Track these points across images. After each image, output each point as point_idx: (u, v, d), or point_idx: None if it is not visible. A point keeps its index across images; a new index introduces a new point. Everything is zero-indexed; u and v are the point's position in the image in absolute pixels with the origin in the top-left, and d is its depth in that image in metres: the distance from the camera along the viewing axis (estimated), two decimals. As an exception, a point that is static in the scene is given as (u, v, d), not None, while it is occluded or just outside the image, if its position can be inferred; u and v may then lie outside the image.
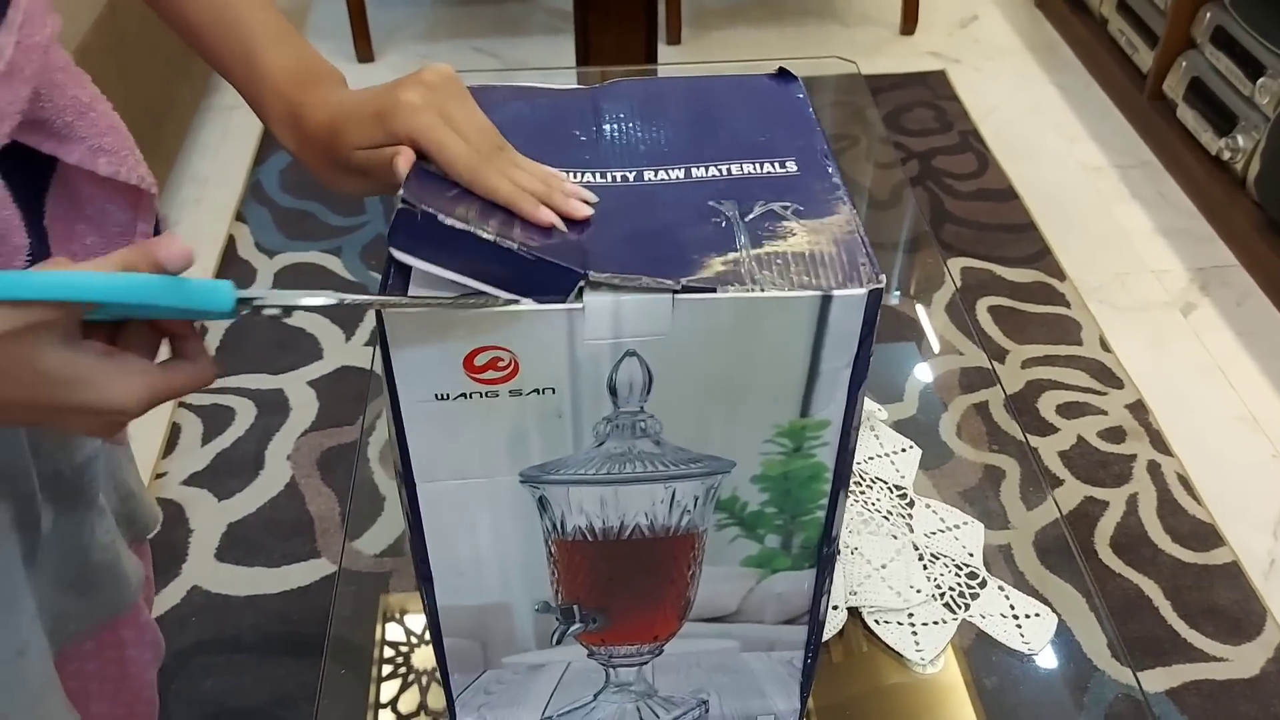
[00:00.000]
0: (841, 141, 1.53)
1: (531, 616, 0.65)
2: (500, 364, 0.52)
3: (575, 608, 0.65)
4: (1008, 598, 0.87)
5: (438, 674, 0.69)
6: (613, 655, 0.68)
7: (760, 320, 0.51)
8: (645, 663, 0.69)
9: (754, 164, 0.58)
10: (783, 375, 0.54)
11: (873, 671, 0.82)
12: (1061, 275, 2.08)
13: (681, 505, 0.60)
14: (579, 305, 0.50)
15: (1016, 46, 2.81)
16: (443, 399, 0.53)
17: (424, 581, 0.63)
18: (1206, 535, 1.60)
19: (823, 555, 0.63)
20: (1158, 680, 1.41)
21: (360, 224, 2.18)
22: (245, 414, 1.78)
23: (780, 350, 0.53)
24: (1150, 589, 1.52)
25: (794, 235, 0.53)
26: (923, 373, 1.15)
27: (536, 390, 0.53)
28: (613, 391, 0.54)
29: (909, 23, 2.84)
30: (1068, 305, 2.01)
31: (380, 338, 0.51)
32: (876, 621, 0.84)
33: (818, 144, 0.60)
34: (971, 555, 0.91)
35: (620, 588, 0.64)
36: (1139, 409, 1.80)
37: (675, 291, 0.50)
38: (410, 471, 0.57)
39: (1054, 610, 0.86)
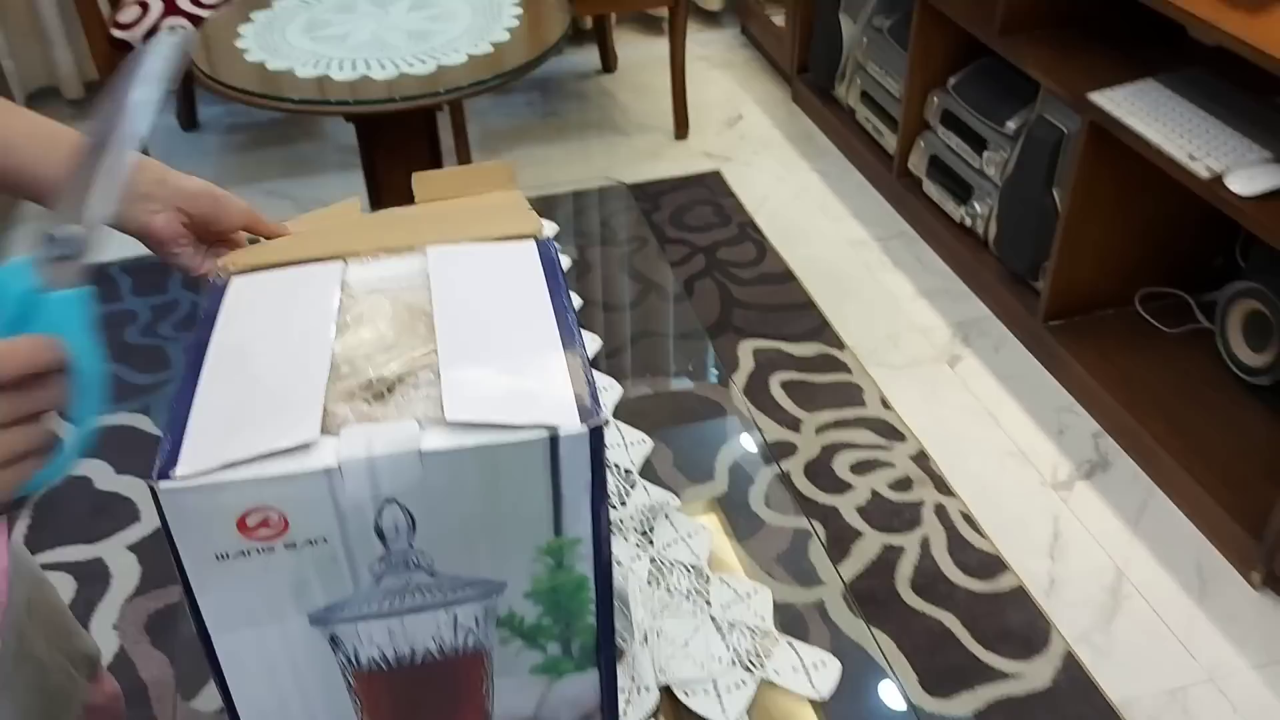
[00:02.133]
0: (632, 244, 1.66)
1: (343, 751, 0.71)
2: (271, 522, 0.59)
3: (382, 737, 0.71)
4: (796, 652, 0.97)
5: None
6: (426, 778, 0.74)
7: (501, 460, 0.60)
8: (459, 781, 0.75)
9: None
10: (531, 503, 0.62)
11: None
12: (841, 345, 2.26)
13: (465, 627, 0.67)
14: (334, 465, 0.57)
15: (779, 139, 3.05)
16: (223, 558, 0.59)
17: (234, 730, 0.67)
18: (992, 565, 1.76)
19: (602, 657, 0.71)
20: (966, 704, 1.53)
21: (164, 380, 2.18)
22: (64, 589, 1.74)
23: (524, 483, 0.61)
24: (950, 621, 1.66)
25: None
26: (730, 449, 1.26)
27: (310, 541, 0.60)
28: (380, 535, 0.61)
29: (681, 128, 3.05)
30: (849, 371, 2.18)
31: (158, 508, 0.57)
32: (685, 694, 0.92)
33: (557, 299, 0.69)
34: (763, 619, 1.00)
35: (422, 711, 0.71)
36: (921, 458, 1.96)
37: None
38: (204, 625, 0.62)
39: (837, 658, 0.96)
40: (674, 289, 1.63)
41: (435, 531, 0.62)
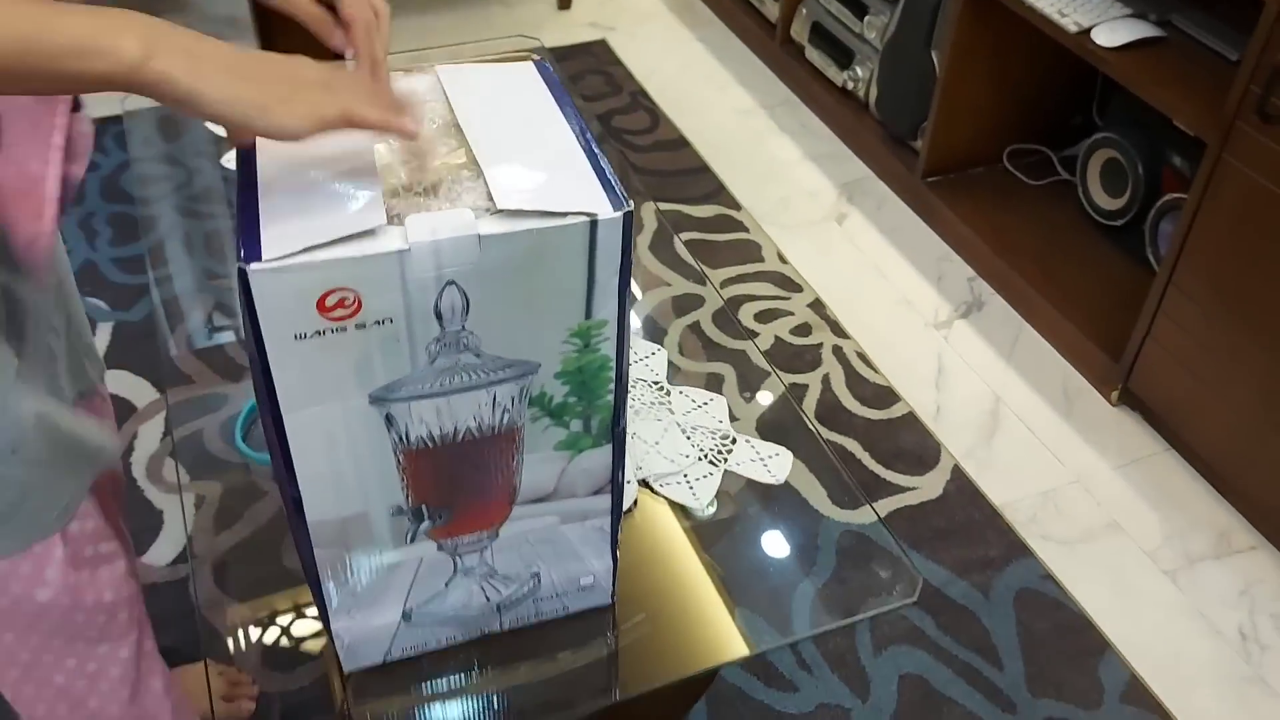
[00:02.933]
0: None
1: (388, 521, 0.79)
2: (346, 303, 0.66)
3: (424, 507, 0.80)
4: (753, 446, 1.09)
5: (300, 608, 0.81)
6: (458, 545, 0.83)
7: (547, 244, 0.68)
8: (485, 547, 0.84)
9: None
10: (569, 285, 0.71)
11: (664, 522, 1.02)
12: (737, 206, 2.38)
13: (502, 406, 0.76)
14: (406, 247, 0.65)
15: (660, 10, 3.10)
16: (301, 338, 0.66)
17: (293, 503, 0.75)
18: (886, 396, 1.93)
19: (616, 432, 0.81)
20: (869, 513, 1.70)
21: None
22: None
23: (564, 265, 0.70)
24: (852, 445, 1.82)
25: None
26: (645, 303, 1.36)
27: (378, 321, 0.67)
28: (438, 315, 0.69)
29: (563, -2, 3.06)
30: (747, 230, 2.30)
31: (244, 293, 0.63)
32: (661, 485, 1.04)
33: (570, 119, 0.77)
34: (721, 422, 1.12)
35: (460, 485, 0.79)
36: (818, 306, 2.11)
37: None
38: (277, 405, 0.69)
39: (843, 570, 1.08)
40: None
41: (485, 313, 0.70)
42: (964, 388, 1.95)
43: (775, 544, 1.03)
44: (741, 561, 1.00)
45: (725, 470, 1.07)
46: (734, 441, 1.09)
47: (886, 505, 1.72)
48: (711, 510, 1.03)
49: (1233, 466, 1.71)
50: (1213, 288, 1.65)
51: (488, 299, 0.69)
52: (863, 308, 2.12)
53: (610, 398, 0.79)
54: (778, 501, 1.06)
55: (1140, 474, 1.79)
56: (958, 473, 1.79)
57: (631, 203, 0.69)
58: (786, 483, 1.07)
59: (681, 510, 1.02)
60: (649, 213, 2.35)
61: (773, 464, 1.08)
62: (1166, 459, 1.82)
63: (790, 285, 2.15)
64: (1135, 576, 1.64)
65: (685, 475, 1.06)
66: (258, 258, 0.63)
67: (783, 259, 2.23)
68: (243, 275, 0.63)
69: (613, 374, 0.77)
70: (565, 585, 0.90)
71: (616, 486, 0.85)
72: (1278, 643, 1.55)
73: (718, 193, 2.42)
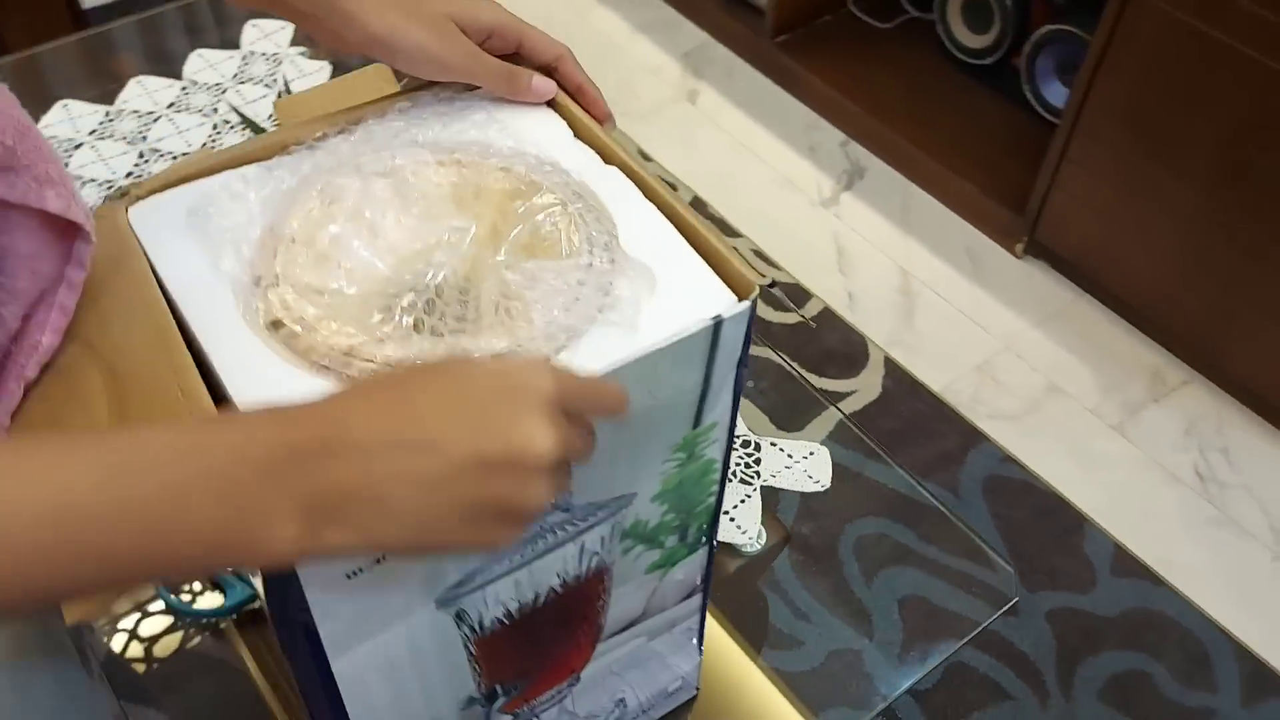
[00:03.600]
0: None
1: (458, 716, 0.61)
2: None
3: (498, 687, 0.62)
4: (782, 449, 0.94)
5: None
6: (534, 707, 0.66)
7: (663, 360, 0.49)
8: (565, 697, 0.67)
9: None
10: (677, 400, 0.52)
11: (717, 572, 0.86)
12: (579, 101, 2.15)
13: (591, 551, 0.58)
14: None
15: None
16: (354, 574, 0.46)
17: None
18: (796, 294, 1.80)
19: (712, 531, 0.64)
20: (817, 431, 1.61)
21: None
22: None
23: (678, 379, 0.51)
24: (779, 359, 1.70)
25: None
26: None
27: (453, 520, 0.48)
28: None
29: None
30: (598, 129, 2.09)
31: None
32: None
33: None
34: (739, 422, 0.96)
35: (538, 649, 0.62)
36: (700, 205, 1.94)
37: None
38: (323, 657, 0.49)
39: (821, 443, 0.95)
40: (354, 63, 1.46)
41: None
42: (868, 268, 1.85)
43: (835, 567, 0.90)
44: (809, 597, 0.87)
45: (761, 487, 0.92)
46: (758, 448, 0.94)
47: (830, 416, 1.62)
48: (761, 542, 0.88)
49: (1156, 306, 1.69)
50: (1126, 128, 1.58)
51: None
52: (743, 197, 1.96)
53: (712, 500, 0.62)
54: (819, 505, 0.93)
55: (1062, 327, 1.75)
56: (890, 365, 1.70)
57: (762, 279, 0.51)
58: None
59: (730, 548, 0.87)
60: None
61: (811, 466, 0.94)
62: (1083, 306, 1.78)
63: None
64: (1086, 438, 1.62)
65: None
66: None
67: (646, 157, 2.03)
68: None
69: (717, 475, 0.60)
70: (653, 699, 0.74)
71: (709, 582, 0.69)
72: (1233, 477, 1.57)
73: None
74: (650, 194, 0.55)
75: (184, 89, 1.18)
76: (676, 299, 0.50)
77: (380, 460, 0.38)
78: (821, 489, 0.92)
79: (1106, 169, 1.63)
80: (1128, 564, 1.47)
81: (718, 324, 0.49)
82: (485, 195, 0.54)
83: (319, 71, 1.25)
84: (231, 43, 1.25)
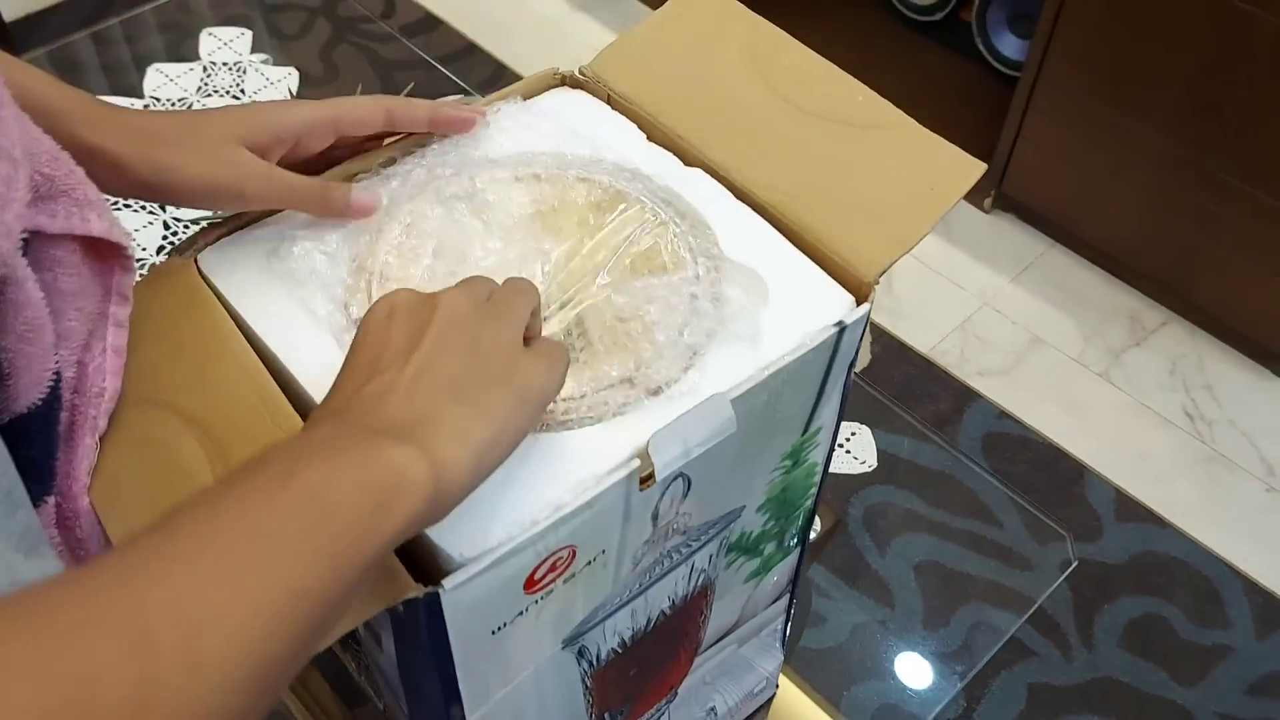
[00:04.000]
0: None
1: (568, 749, 0.59)
2: (560, 563, 0.43)
3: (606, 714, 0.59)
4: (822, 433, 0.93)
5: None
6: (635, 726, 0.64)
7: (786, 376, 0.47)
8: (663, 713, 0.65)
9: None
10: (794, 410, 0.50)
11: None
12: (528, 87, 2.10)
13: (700, 570, 0.56)
14: (637, 467, 0.42)
15: None
16: (499, 630, 0.43)
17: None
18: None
19: (807, 531, 0.62)
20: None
21: None
22: None
23: (797, 390, 0.49)
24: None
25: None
26: None
27: (589, 562, 0.45)
28: (654, 517, 0.48)
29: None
30: (551, 113, 2.05)
31: (426, 619, 0.40)
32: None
33: None
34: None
35: (645, 672, 0.59)
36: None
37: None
38: (460, 711, 0.47)
39: (862, 423, 0.93)
40: (315, 68, 1.41)
41: (705, 482, 0.49)
42: (840, 233, 1.85)
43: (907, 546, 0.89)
44: (874, 581, 0.86)
45: (807, 472, 0.90)
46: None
47: (826, 388, 1.62)
48: (815, 529, 0.87)
49: (1128, 249, 1.71)
50: (1090, 74, 1.58)
51: (710, 467, 0.48)
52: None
53: (810, 502, 0.60)
54: (868, 489, 0.92)
55: (1037, 279, 1.77)
56: (877, 331, 1.70)
57: (876, 281, 0.49)
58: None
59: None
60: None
61: (855, 446, 0.92)
62: (1055, 255, 1.80)
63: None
64: (1074, 387, 1.63)
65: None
66: (447, 569, 0.39)
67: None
68: (432, 599, 0.39)
69: (818, 478, 0.58)
70: (740, 702, 0.72)
71: (797, 584, 0.68)
72: (1219, 414, 1.59)
73: (500, 75, 2.12)
74: (741, 194, 0.53)
75: (146, 106, 1.13)
76: (792, 305, 0.48)
77: (416, 365, 0.38)
78: (868, 469, 0.91)
79: (1072, 117, 1.63)
80: (1132, 509, 1.49)
81: (840, 330, 0.47)
82: (569, 209, 0.51)
83: (286, 78, 1.20)
84: (187, 55, 1.19)
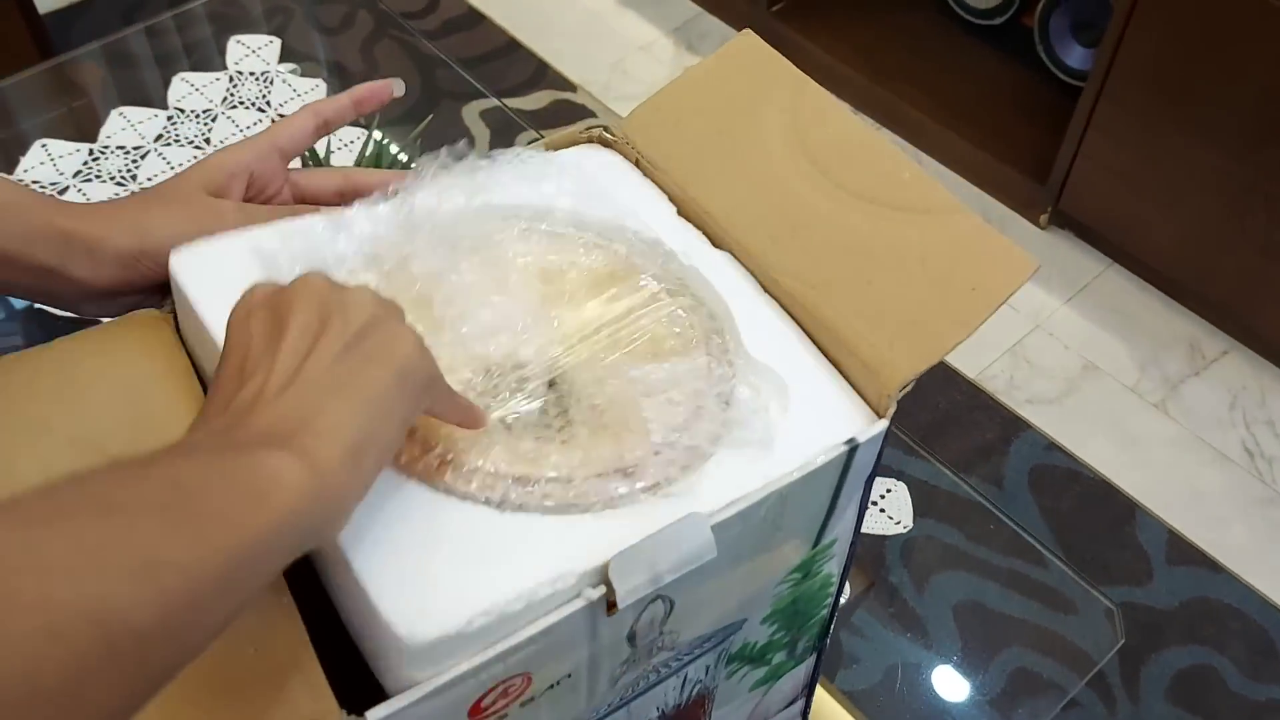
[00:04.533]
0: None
1: None
2: (512, 690, 0.39)
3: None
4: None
5: None
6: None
7: (789, 494, 0.42)
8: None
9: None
10: (802, 525, 0.46)
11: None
12: (571, 86, 2.05)
13: (693, 680, 0.51)
14: (603, 594, 0.38)
15: None
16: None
17: None
18: (816, 281, 1.74)
19: (825, 637, 0.58)
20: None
21: None
22: None
23: (803, 506, 0.44)
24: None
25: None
26: None
27: (552, 685, 0.41)
28: (631, 639, 0.43)
29: None
30: (594, 114, 1.99)
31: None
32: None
33: None
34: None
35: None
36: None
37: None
38: None
39: (897, 477, 0.88)
40: (356, 64, 1.38)
41: (690, 603, 0.44)
42: (887, 247, 1.78)
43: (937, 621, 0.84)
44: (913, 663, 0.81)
45: (834, 532, 0.85)
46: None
47: (865, 412, 1.57)
48: (845, 595, 0.82)
49: (1189, 273, 1.63)
50: (1154, 92, 1.50)
51: (698, 589, 0.44)
52: (751, 178, 1.88)
53: (825, 612, 0.55)
54: (911, 551, 0.87)
55: (1093, 301, 1.69)
56: (922, 352, 1.64)
57: (897, 395, 0.44)
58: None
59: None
60: (473, 117, 2.00)
61: (890, 504, 0.87)
62: (1112, 277, 1.72)
63: (667, 171, 1.89)
64: (1129, 418, 1.56)
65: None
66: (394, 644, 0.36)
67: (648, 141, 1.95)
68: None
69: (834, 589, 0.54)
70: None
71: (812, 688, 0.63)
72: (1281, 451, 1.52)
73: (542, 74, 2.07)
74: (767, 282, 0.48)
75: (170, 118, 1.10)
76: (804, 414, 0.44)
77: (282, 364, 0.36)
78: (904, 531, 0.86)
79: (1135, 134, 1.55)
80: (1185, 552, 1.42)
81: (852, 449, 0.43)
82: (577, 275, 0.47)
83: (314, 90, 1.17)
84: (211, 63, 1.16)
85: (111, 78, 1.17)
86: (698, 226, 0.51)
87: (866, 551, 0.86)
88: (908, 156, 0.52)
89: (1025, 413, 1.54)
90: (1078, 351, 1.64)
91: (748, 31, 0.56)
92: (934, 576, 1.39)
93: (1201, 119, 1.47)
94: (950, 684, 0.91)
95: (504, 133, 2.00)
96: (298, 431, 0.34)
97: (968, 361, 1.62)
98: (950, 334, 0.45)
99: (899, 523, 0.87)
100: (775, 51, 0.54)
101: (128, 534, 0.29)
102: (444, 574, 0.37)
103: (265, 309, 0.37)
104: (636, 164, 0.54)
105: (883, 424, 0.43)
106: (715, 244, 0.50)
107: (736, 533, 0.41)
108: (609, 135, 0.55)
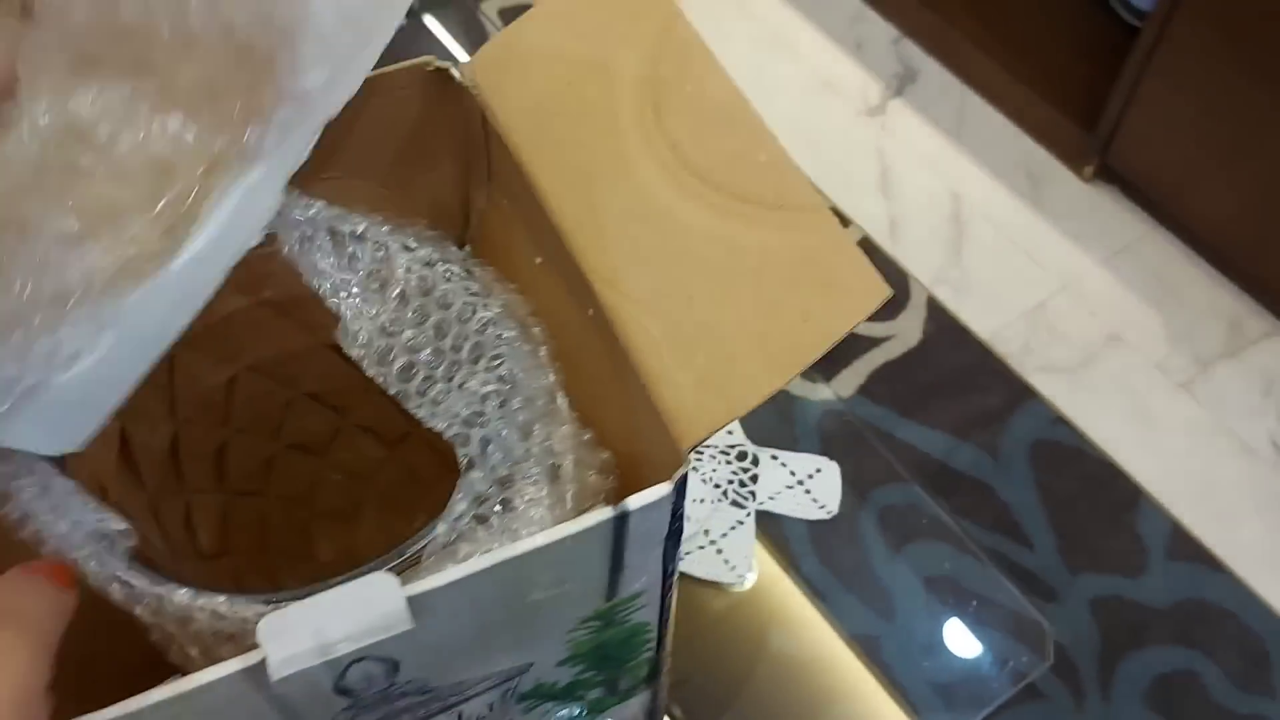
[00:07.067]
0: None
1: None
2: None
3: None
4: (784, 465, 0.80)
5: None
6: None
7: (534, 564, 0.35)
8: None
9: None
10: (580, 587, 0.38)
11: (695, 616, 0.73)
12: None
13: (473, 716, 0.45)
14: (259, 663, 0.31)
15: None
16: None
17: None
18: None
19: (655, 679, 0.51)
20: (847, 383, 1.45)
21: None
22: None
23: (569, 572, 0.37)
24: (807, 298, 1.54)
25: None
26: None
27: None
28: (345, 692, 0.37)
29: None
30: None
31: None
32: (680, 558, 0.75)
33: None
34: (731, 432, 0.82)
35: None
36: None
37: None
38: None
39: (831, 456, 0.81)
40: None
41: (433, 657, 0.37)
42: (915, 189, 1.66)
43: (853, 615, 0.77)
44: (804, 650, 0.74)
45: (756, 510, 0.78)
46: (755, 461, 0.80)
47: (862, 368, 1.47)
48: (753, 578, 0.75)
49: (1242, 245, 1.49)
50: (1222, 39, 1.35)
51: (433, 649, 0.37)
52: (779, 103, 1.76)
53: (649, 654, 0.48)
54: (831, 536, 0.79)
55: (1131, 265, 1.56)
56: (934, 307, 1.52)
57: (689, 457, 0.36)
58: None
59: (715, 586, 0.74)
60: (492, 10, 1.90)
61: (816, 486, 0.79)
62: (1156, 240, 1.59)
63: (689, 88, 1.78)
64: (1149, 398, 1.45)
65: (708, 533, 0.76)
66: None
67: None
68: None
69: (652, 634, 0.46)
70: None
71: (657, 713, 0.56)
72: (1314, 448, 1.40)
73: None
74: (577, 286, 0.40)
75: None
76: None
77: None
78: (827, 516, 0.78)
79: (1194, 86, 1.41)
80: (1186, 547, 1.32)
81: (622, 517, 0.35)
82: None
83: None
84: None
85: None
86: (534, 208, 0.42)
87: (793, 531, 0.78)
88: (771, 132, 0.42)
89: (1035, 380, 1.44)
90: (1105, 319, 1.52)
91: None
92: (908, 546, 1.31)
93: (1272, 74, 1.32)
94: (907, 661, 0.84)
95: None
96: None
97: (982, 320, 1.52)
98: (764, 381, 0.36)
99: (823, 507, 0.79)
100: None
101: None
102: None
103: None
104: (483, 120, 0.45)
105: (664, 488, 0.35)
106: (538, 231, 0.42)
107: (459, 602, 0.34)
108: (456, 78, 0.46)
